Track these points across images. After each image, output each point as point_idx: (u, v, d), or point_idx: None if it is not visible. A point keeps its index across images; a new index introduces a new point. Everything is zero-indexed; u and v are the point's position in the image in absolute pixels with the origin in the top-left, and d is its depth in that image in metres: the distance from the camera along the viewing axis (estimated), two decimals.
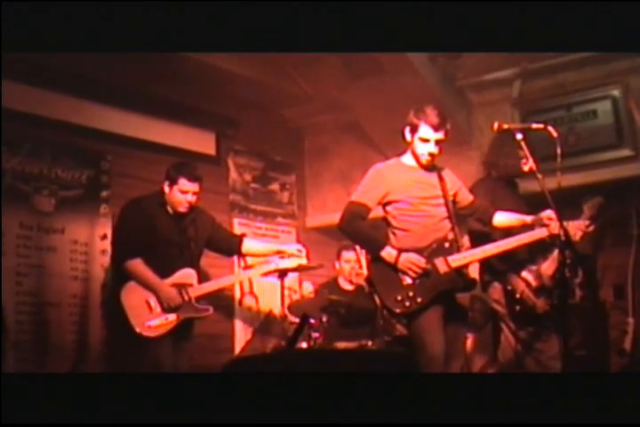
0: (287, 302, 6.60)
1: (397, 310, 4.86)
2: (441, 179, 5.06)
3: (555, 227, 4.86)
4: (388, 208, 5.02)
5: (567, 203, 5.14)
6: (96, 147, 6.83)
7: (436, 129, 4.87)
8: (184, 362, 5.55)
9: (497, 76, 7.60)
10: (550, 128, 4.87)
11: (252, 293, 7.58)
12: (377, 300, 5.09)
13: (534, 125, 5.09)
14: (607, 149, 7.11)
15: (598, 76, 7.16)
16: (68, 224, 6.50)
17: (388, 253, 4.88)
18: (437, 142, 4.91)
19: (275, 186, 8.49)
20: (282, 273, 6.22)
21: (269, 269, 5.93)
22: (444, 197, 5.01)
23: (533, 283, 5.47)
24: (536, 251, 5.59)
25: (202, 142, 7.81)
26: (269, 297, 7.61)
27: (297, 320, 5.95)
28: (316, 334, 6.08)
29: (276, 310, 7.52)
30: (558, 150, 4.72)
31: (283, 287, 6.37)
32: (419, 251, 4.87)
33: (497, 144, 5.80)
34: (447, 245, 4.92)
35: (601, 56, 6.92)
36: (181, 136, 7.59)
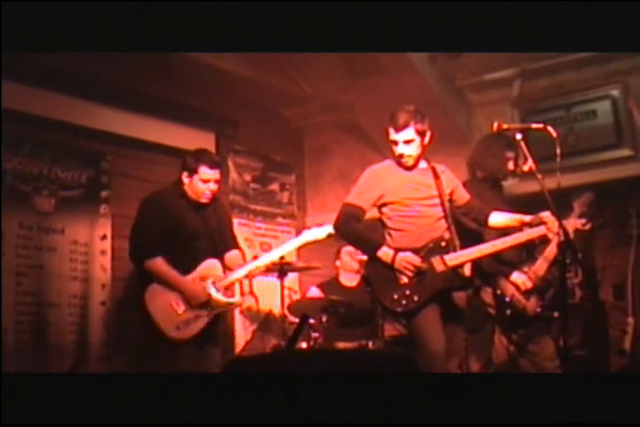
0: (287, 302, 6.60)
1: (395, 309, 4.87)
2: (437, 177, 5.05)
3: (553, 226, 4.86)
4: (384, 209, 5.03)
5: (562, 203, 5.15)
6: (96, 147, 6.83)
7: (397, 130, 4.89)
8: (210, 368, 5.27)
9: (497, 76, 7.60)
10: (550, 128, 4.87)
11: (251, 293, 7.58)
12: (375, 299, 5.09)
13: (534, 125, 5.10)
14: (607, 148, 7.11)
15: (598, 76, 7.17)
16: (68, 224, 6.49)
17: (385, 252, 4.89)
18: (407, 142, 4.91)
19: (274, 186, 8.48)
20: (282, 273, 6.21)
21: (301, 243, 5.69)
22: (440, 196, 5.02)
23: (525, 285, 5.47)
24: (526, 252, 5.60)
25: (201, 142, 7.75)
26: (269, 297, 7.60)
27: (297, 320, 5.94)
28: (315, 334, 6.08)
29: (276, 310, 7.52)
30: (558, 150, 4.72)
31: (282, 287, 6.38)
32: (415, 251, 4.88)
33: (484, 145, 5.83)
34: (444, 244, 4.93)
35: (601, 56, 6.92)
36: (181, 136, 7.57)
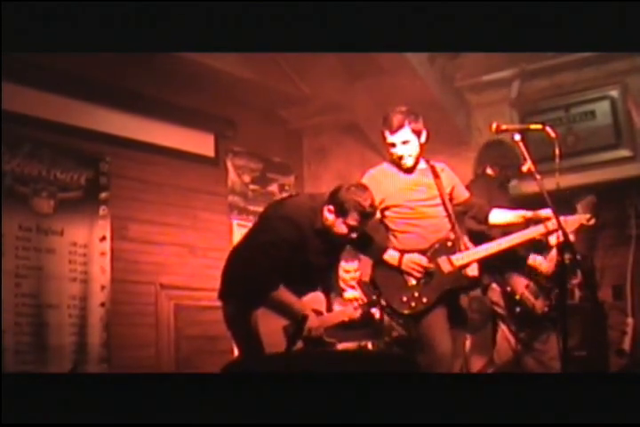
0: None
1: (404, 311, 4.85)
2: (436, 176, 5.03)
3: (552, 224, 4.84)
4: (387, 213, 5.01)
5: (565, 204, 5.14)
6: (95, 148, 6.83)
7: (392, 132, 4.86)
8: None
9: (495, 76, 7.62)
10: (549, 129, 4.84)
11: None
12: (382, 302, 5.03)
13: (533, 126, 5.07)
14: (606, 149, 7.12)
15: (596, 77, 7.18)
16: (67, 226, 6.49)
17: (391, 255, 4.87)
18: (404, 143, 4.89)
19: (273, 187, 8.48)
20: None
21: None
22: (441, 196, 5.00)
23: (544, 268, 5.48)
24: (535, 251, 5.59)
25: (200, 144, 7.81)
26: None
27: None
28: None
29: None
30: (557, 151, 4.70)
31: None
32: (421, 252, 4.86)
33: (502, 147, 5.83)
34: (450, 244, 4.91)
35: (599, 57, 6.94)
36: (180, 138, 7.59)
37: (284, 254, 4.68)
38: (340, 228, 4.67)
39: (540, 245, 5.51)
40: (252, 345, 4.67)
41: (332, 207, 4.67)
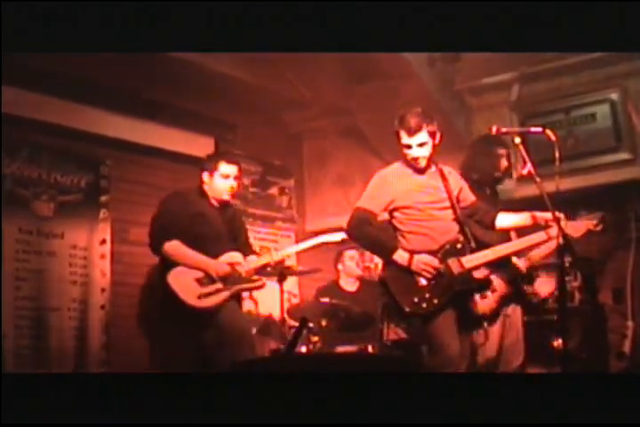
0: (286, 305, 6.58)
1: (416, 313, 4.83)
2: (444, 179, 5.04)
3: (565, 226, 4.81)
4: (396, 214, 5.01)
5: (565, 206, 5.13)
6: (95, 151, 6.82)
7: (410, 133, 4.86)
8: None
9: (495, 79, 7.62)
10: (549, 132, 4.84)
11: (251, 297, 7.57)
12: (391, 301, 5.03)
13: (533, 129, 5.07)
14: (606, 152, 7.12)
15: (596, 80, 7.19)
16: (68, 229, 6.48)
17: (401, 255, 4.86)
18: (420, 145, 4.90)
19: (274, 190, 8.48)
20: (281, 277, 6.21)
21: (317, 242, 6.07)
22: (450, 198, 5.00)
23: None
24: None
25: (201, 147, 7.78)
26: (269, 301, 7.59)
27: (296, 324, 5.94)
28: (315, 338, 6.08)
29: (276, 314, 7.51)
30: (557, 154, 4.70)
31: (282, 291, 6.36)
32: (432, 253, 4.86)
33: (473, 147, 5.86)
34: (459, 246, 4.90)
35: (599, 60, 6.95)
36: (180, 141, 7.58)
37: (179, 219, 5.48)
38: (218, 183, 5.60)
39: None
40: (171, 302, 5.35)
41: (204, 172, 5.61)
